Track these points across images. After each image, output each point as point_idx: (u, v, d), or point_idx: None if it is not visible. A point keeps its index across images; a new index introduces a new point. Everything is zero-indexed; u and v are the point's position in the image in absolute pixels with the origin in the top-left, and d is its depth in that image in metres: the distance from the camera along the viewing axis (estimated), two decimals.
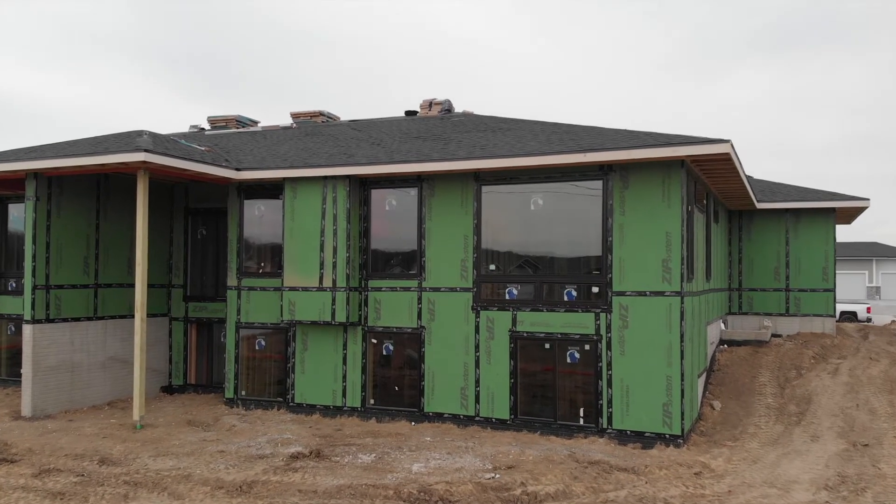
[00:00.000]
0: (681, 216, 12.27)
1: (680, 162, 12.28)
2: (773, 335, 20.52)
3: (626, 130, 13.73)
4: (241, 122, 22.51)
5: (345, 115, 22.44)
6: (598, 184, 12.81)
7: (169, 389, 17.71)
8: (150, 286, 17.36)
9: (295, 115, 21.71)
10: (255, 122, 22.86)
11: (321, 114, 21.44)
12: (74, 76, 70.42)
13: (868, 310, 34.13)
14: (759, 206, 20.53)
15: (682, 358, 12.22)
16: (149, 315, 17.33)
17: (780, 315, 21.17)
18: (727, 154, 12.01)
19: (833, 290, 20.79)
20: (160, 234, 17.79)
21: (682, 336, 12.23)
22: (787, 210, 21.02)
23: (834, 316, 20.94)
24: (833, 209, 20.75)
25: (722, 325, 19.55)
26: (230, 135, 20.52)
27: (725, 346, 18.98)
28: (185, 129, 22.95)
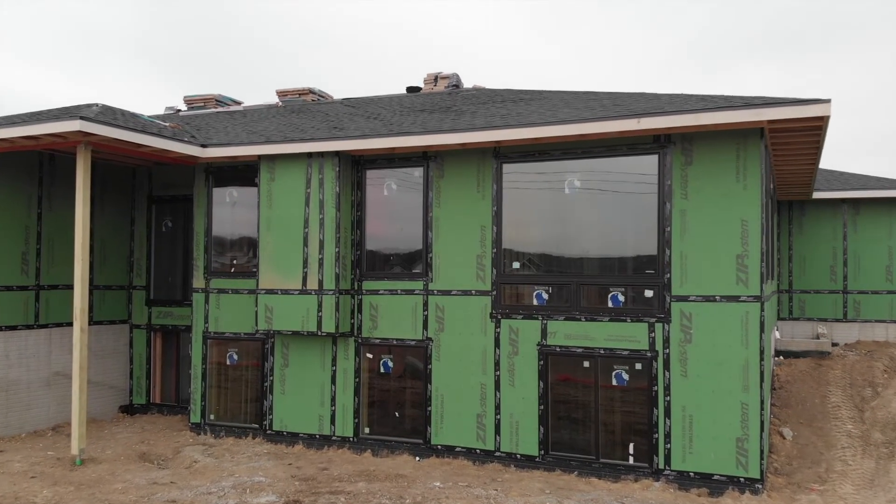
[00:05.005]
0: (760, 200, 9.61)
1: (759, 131, 9.63)
2: (831, 344, 17.83)
3: (683, 94, 11.08)
4: (221, 101, 19.81)
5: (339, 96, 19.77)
6: (653, 159, 10.14)
7: (129, 409, 15.04)
8: (106, 288, 14.74)
9: (281, 94, 19.01)
10: (239, 103, 20.18)
11: (311, 91, 18.73)
12: (76, 73, 67.93)
13: None
14: (814, 195, 17.86)
15: (761, 380, 9.57)
16: (106, 322, 14.73)
17: (837, 321, 18.47)
18: (822, 120, 9.38)
19: None
20: (119, 227, 15.12)
21: (761, 352, 9.58)
22: (844, 200, 18.34)
23: None
24: None
25: (777, 334, 16.90)
26: (207, 115, 17.86)
27: (781, 357, 16.34)
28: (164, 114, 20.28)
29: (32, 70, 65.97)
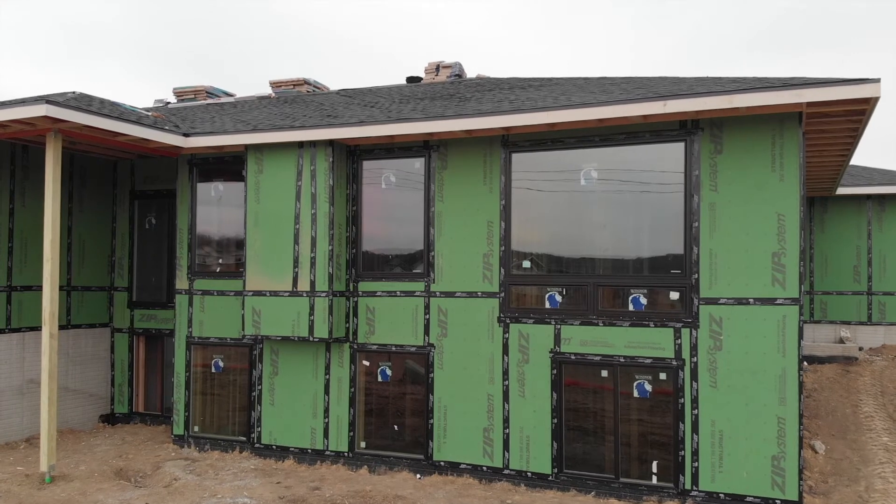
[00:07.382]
0: (798, 192, 8.67)
1: (797, 115, 8.68)
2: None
3: (710, 77, 10.13)
4: (211, 93, 18.85)
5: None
6: (678, 147, 9.19)
7: (111, 419, 14.09)
8: (85, 289, 13.80)
9: (275, 84, 18.07)
10: (231, 95, 19.23)
11: (306, 82, 17.78)
12: (75, 74, 67.11)
13: None
14: (837, 190, 16.90)
15: (800, 392, 8.62)
16: (85, 325, 13.79)
17: (860, 324, 17.51)
18: (868, 103, 8.43)
19: None
20: (99, 224, 14.16)
21: (800, 361, 8.62)
22: (868, 196, 17.38)
23: None
24: None
25: None
26: (195, 106, 16.91)
27: (805, 363, 15.38)
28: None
29: (32, 70, 65.10)
